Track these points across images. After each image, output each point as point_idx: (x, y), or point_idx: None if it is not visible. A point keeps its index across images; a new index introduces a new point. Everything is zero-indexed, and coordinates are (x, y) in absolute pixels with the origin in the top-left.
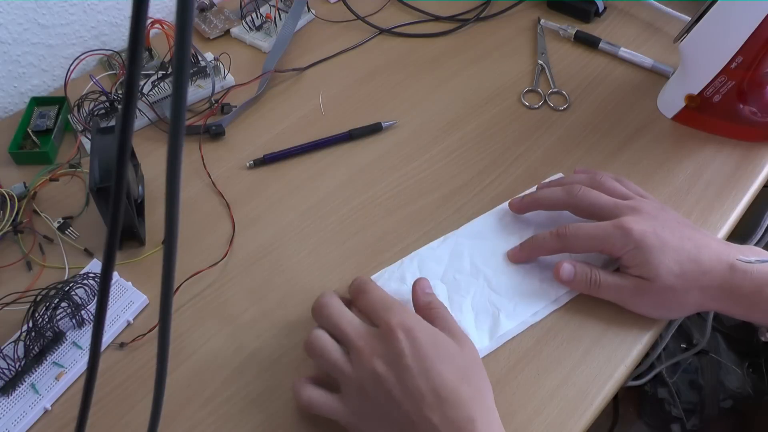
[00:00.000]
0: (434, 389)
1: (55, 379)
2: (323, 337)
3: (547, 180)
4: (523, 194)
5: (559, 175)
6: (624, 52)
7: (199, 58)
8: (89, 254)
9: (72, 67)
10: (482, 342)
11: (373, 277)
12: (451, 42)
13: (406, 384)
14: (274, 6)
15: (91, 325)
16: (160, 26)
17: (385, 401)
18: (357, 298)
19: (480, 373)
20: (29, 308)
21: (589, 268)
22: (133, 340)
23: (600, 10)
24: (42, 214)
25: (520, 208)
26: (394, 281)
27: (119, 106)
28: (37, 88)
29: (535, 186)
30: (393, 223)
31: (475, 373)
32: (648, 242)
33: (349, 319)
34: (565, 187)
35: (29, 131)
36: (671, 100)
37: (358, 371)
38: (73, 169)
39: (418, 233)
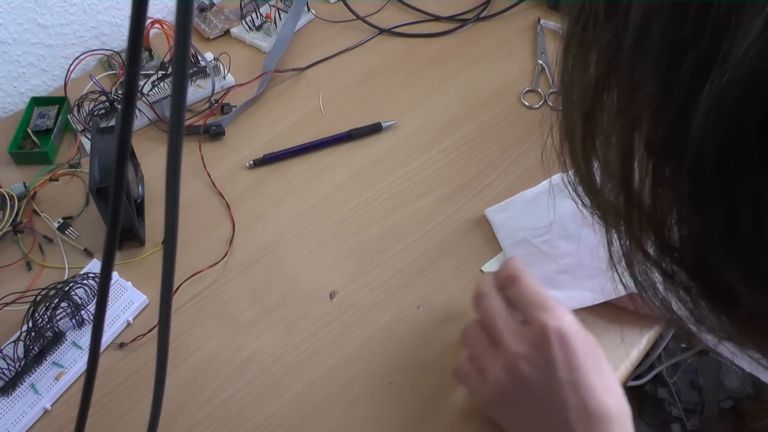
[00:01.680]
0: (583, 404)
1: (55, 379)
2: (475, 329)
3: (543, 183)
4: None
5: (559, 175)
6: None
7: (199, 58)
8: (89, 254)
9: (72, 67)
10: None
11: (487, 210)
12: (451, 42)
13: (554, 394)
14: (274, 6)
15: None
16: (160, 26)
17: (527, 404)
18: (508, 287)
19: (616, 379)
20: (29, 308)
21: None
22: (133, 340)
23: None
24: (42, 214)
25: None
26: (508, 219)
27: (119, 106)
28: (37, 88)
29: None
30: (393, 223)
31: (615, 381)
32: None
33: (503, 314)
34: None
35: (29, 131)
36: None
37: (501, 367)
38: (73, 169)
39: (418, 233)
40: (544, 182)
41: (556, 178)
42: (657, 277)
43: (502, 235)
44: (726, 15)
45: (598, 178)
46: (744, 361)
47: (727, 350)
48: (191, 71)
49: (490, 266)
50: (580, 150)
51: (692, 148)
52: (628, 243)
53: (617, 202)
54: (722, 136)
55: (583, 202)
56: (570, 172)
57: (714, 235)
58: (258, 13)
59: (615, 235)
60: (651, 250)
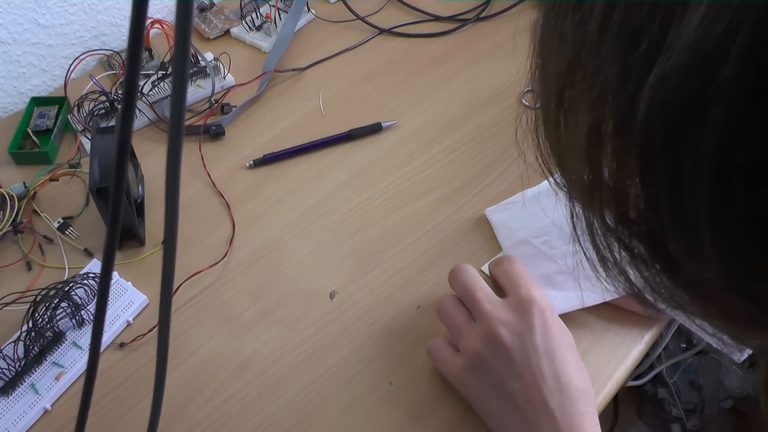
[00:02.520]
0: (556, 374)
1: (55, 379)
2: (452, 300)
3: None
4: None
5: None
6: None
7: (199, 58)
8: (89, 254)
9: (72, 67)
10: None
11: (487, 210)
12: (451, 42)
13: (530, 360)
14: (274, 6)
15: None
16: (160, 26)
17: (503, 370)
18: (496, 265)
19: (584, 367)
20: (29, 308)
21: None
22: (133, 340)
23: None
24: (42, 214)
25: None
26: (507, 219)
27: (119, 106)
28: (37, 88)
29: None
30: (393, 223)
31: (583, 366)
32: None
33: (481, 286)
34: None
35: (29, 131)
36: None
37: (479, 333)
38: (73, 169)
39: (418, 233)
40: (544, 182)
41: (558, 177)
42: (616, 248)
43: (502, 235)
44: (672, 6)
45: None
46: (706, 334)
47: (684, 318)
48: (191, 71)
49: None
50: (553, 128)
51: (640, 128)
52: (591, 216)
53: (582, 177)
54: (665, 117)
55: (553, 178)
56: (543, 150)
57: (660, 208)
58: (258, 13)
59: (579, 209)
60: (611, 223)
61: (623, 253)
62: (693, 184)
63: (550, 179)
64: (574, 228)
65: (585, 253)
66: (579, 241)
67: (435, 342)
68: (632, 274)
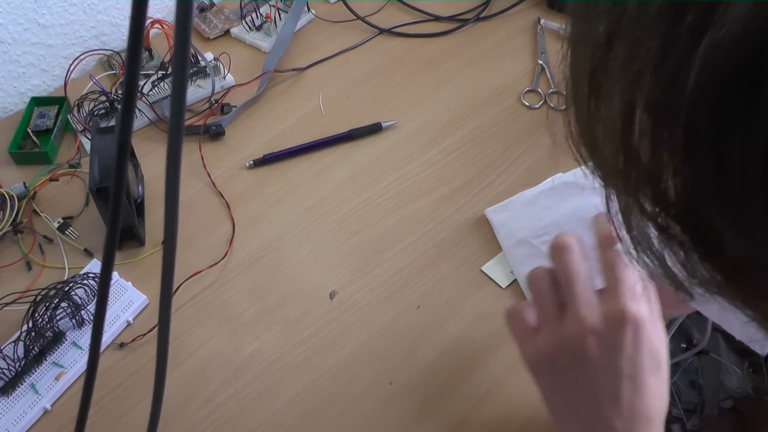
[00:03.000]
0: (632, 401)
1: (55, 379)
2: (547, 276)
3: (546, 181)
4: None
5: (560, 175)
6: None
7: (199, 58)
8: (89, 254)
9: (72, 67)
10: None
11: (487, 210)
12: (451, 42)
13: (608, 379)
14: (274, 6)
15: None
16: (160, 26)
17: (577, 378)
18: (605, 249)
19: (667, 387)
20: (29, 308)
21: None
22: (133, 340)
23: None
24: (42, 214)
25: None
26: (511, 222)
27: (119, 106)
28: (37, 88)
29: (544, 183)
30: (393, 223)
31: (665, 388)
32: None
33: (583, 278)
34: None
35: (29, 131)
36: None
37: (566, 333)
38: (73, 169)
39: (418, 233)
40: (545, 182)
41: (558, 177)
42: (652, 232)
43: (502, 236)
44: None
45: (599, 138)
46: (736, 322)
47: (717, 311)
48: (191, 71)
49: (490, 266)
50: (585, 110)
51: (688, 101)
52: (625, 199)
53: (617, 160)
54: (715, 89)
55: (585, 162)
56: (573, 133)
57: (705, 185)
58: (258, 13)
59: (613, 193)
60: (647, 206)
61: (659, 237)
62: (744, 158)
63: (583, 166)
64: (608, 211)
65: (619, 237)
66: (614, 225)
67: (519, 311)
68: (668, 258)
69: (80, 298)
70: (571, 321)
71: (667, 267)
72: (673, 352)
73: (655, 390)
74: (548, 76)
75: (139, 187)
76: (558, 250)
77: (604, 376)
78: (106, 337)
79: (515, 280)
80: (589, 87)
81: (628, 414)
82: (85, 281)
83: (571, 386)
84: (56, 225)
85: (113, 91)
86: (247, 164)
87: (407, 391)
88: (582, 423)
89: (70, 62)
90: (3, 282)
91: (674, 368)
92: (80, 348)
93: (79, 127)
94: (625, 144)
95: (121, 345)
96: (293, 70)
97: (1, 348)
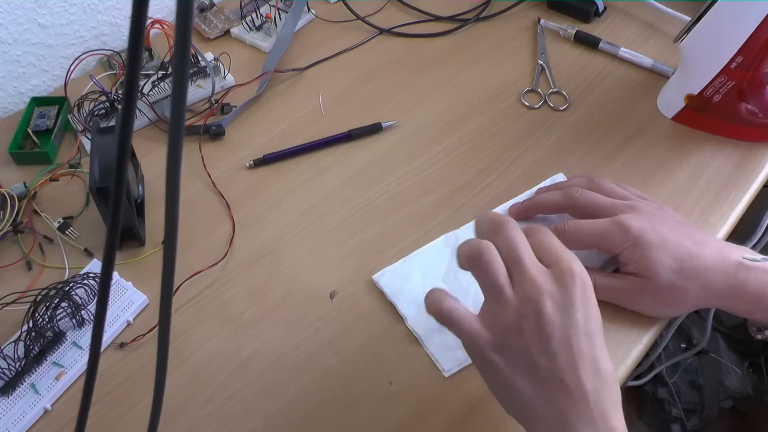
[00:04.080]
0: (594, 358)
1: (55, 379)
2: (493, 251)
3: (546, 181)
4: (522, 199)
5: (560, 175)
6: (624, 52)
7: (199, 58)
8: (89, 254)
9: (72, 67)
10: None
11: (374, 276)
12: (451, 42)
13: (569, 337)
14: (274, 6)
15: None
16: (160, 26)
17: (539, 344)
18: (531, 234)
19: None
20: (29, 308)
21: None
22: (133, 340)
23: (600, 10)
24: (42, 214)
25: (519, 213)
26: (397, 279)
27: (119, 106)
28: (37, 88)
29: (535, 188)
30: (393, 223)
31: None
32: (646, 239)
33: (527, 246)
34: (564, 190)
35: (29, 131)
36: (671, 100)
37: (521, 300)
38: (73, 169)
39: (418, 233)
40: (433, 242)
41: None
42: None
43: (403, 301)
44: None
45: None
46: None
47: None
48: (191, 71)
49: None
50: None
51: None
52: None
53: None
54: None
55: None
56: None
57: None
58: (258, 13)
59: None
60: None
61: None
62: None
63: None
64: None
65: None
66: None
67: (453, 304)
68: None
69: (80, 298)
70: (523, 286)
71: None
72: (673, 352)
73: (605, 351)
74: (548, 76)
75: (139, 187)
76: (492, 226)
77: (565, 335)
78: (107, 337)
79: None
80: None
81: (592, 371)
82: (86, 281)
83: (528, 360)
84: (56, 225)
85: (113, 91)
86: (247, 164)
87: (407, 391)
88: (548, 395)
89: (70, 62)
90: (3, 282)
91: (674, 368)
92: (80, 348)
93: (80, 127)
94: None
95: (121, 345)
96: (293, 70)
97: (1, 348)
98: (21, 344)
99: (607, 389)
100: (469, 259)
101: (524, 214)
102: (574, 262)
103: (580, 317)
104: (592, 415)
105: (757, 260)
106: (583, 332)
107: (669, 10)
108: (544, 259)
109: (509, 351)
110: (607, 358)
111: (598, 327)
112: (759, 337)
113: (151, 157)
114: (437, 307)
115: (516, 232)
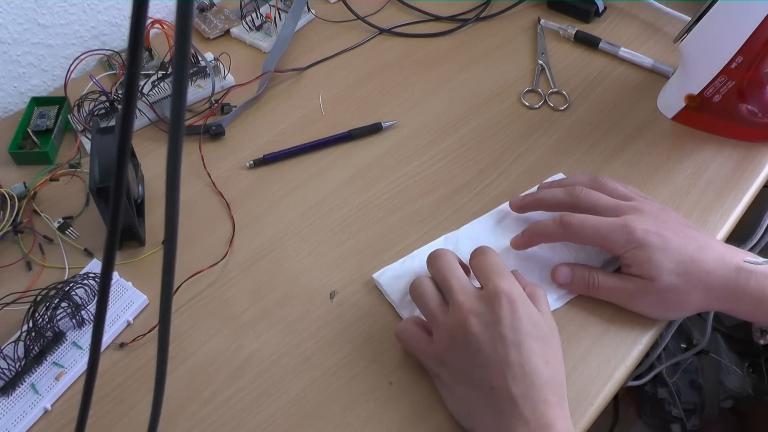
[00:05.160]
0: (521, 363)
1: (55, 379)
2: (427, 283)
3: (548, 180)
4: (523, 194)
5: (560, 175)
6: (624, 52)
7: (199, 58)
8: (89, 254)
9: (72, 67)
10: None
11: (375, 275)
12: (451, 42)
13: (497, 350)
14: (274, 6)
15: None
16: (160, 26)
17: (471, 359)
18: (474, 256)
19: (559, 358)
20: (29, 308)
21: (587, 270)
22: (133, 340)
23: (600, 10)
24: (42, 214)
25: (520, 207)
26: (397, 279)
27: (119, 106)
28: (37, 88)
29: (536, 186)
30: (393, 223)
31: (557, 358)
32: (650, 241)
33: (457, 275)
34: (567, 188)
35: (29, 131)
36: (671, 100)
37: (451, 322)
38: (73, 169)
39: (418, 233)
40: (433, 242)
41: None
42: None
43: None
44: None
45: None
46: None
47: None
48: (191, 71)
49: None
50: None
51: None
52: None
53: None
54: None
55: None
56: None
57: None
58: (258, 13)
59: None
60: None
61: None
62: None
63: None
64: None
65: None
66: None
67: (407, 326)
68: None
69: (80, 298)
70: (453, 310)
71: None
72: (673, 352)
73: (543, 354)
74: (548, 76)
75: (139, 187)
76: (431, 260)
77: (492, 348)
78: (107, 337)
79: None
80: None
81: (520, 375)
82: (86, 281)
83: (465, 371)
84: (56, 225)
85: (113, 91)
86: (247, 164)
87: (407, 391)
88: (483, 400)
89: (70, 62)
90: (3, 282)
91: (674, 368)
92: (80, 348)
93: (80, 127)
94: None
95: (121, 345)
96: (293, 70)
97: (1, 348)
98: (21, 344)
99: (538, 389)
100: (411, 294)
101: (525, 209)
102: (501, 280)
103: (506, 331)
104: (523, 414)
105: (758, 263)
106: (510, 343)
107: (669, 10)
108: (481, 280)
109: (450, 365)
110: (542, 361)
111: (529, 336)
112: (762, 342)
113: (151, 157)
114: (396, 330)
115: (445, 261)
